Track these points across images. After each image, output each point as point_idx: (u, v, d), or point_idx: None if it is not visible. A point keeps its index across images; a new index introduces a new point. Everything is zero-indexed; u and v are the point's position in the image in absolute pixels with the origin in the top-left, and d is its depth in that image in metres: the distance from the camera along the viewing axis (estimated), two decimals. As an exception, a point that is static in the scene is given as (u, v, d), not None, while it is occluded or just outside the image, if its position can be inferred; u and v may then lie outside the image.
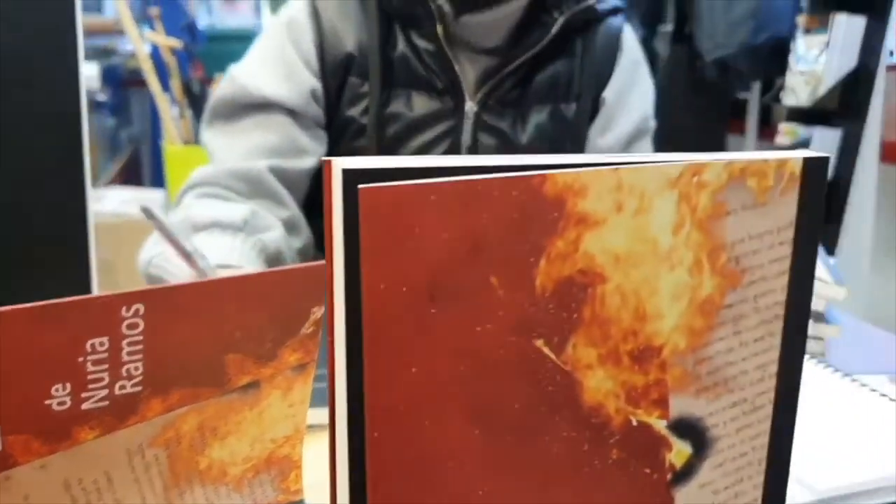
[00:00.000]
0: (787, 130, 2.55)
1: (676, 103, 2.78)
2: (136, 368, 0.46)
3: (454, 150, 1.04)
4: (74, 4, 0.64)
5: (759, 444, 0.35)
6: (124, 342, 0.45)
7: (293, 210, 1.04)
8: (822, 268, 0.81)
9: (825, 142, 2.53)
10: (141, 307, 0.45)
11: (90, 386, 0.44)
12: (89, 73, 2.87)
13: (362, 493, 0.27)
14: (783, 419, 0.35)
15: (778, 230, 0.33)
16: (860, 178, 2.50)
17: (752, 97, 2.87)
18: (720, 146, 2.90)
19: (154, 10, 3.74)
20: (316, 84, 1.05)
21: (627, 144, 1.13)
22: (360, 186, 0.25)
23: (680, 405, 0.33)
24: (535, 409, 0.29)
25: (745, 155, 0.32)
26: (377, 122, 1.04)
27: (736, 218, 0.32)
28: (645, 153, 1.17)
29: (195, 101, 3.85)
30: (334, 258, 0.27)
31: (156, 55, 3.78)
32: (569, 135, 1.09)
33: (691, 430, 0.33)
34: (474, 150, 1.05)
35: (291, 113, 1.04)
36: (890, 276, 2.44)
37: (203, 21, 4.86)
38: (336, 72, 1.06)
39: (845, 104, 2.55)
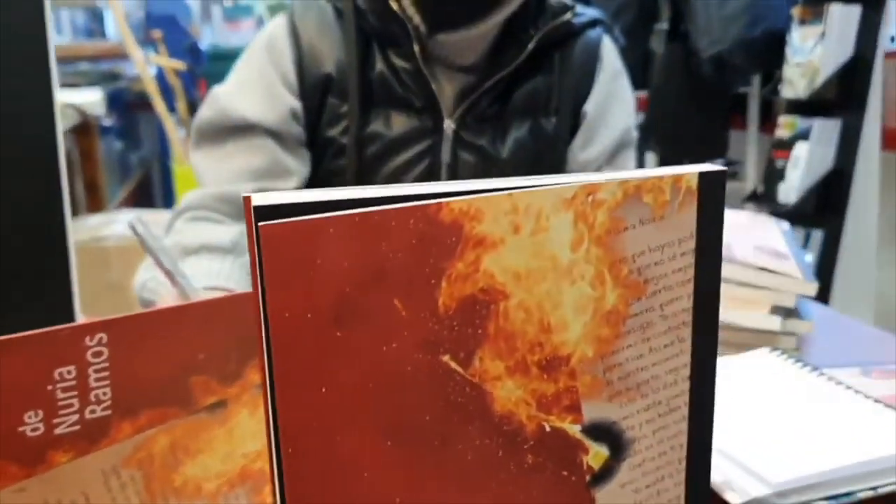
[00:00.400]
0: (786, 123, 2.56)
1: (674, 102, 2.79)
2: (105, 393, 0.48)
3: (434, 168, 1.07)
4: (46, 31, 0.66)
5: (678, 443, 0.37)
6: (90, 369, 0.47)
7: None
8: (794, 265, 0.83)
9: (825, 132, 2.53)
10: (104, 336, 0.47)
11: (61, 412, 0.47)
12: (93, 98, 2.91)
13: (283, 504, 0.29)
14: (700, 419, 0.37)
15: (679, 242, 0.35)
16: (862, 167, 2.50)
17: (752, 91, 2.88)
18: (721, 143, 2.90)
19: (157, 33, 3.79)
20: (296, 104, 1.08)
21: (611, 157, 1.14)
22: (261, 224, 0.27)
23: (593, 410, 0.35)
24: (446, 420, 0.31)
25: (641, 173, 0.34)
26: (356, 142, 1.06)
27: (635, 232, 0.34)
28: (629, 166, 1.19)
29: (202, 120, 3.88)
30: (256, 289, 0.29)
31: (160, 77, 3.83)
32: (549, 149, 1.11)
33: (607, 434, 0.35)
34: (454, 167, 1.07)
35: (273, 134, 1.07)
36: (894, 267, 2.44)
37: (205, 40, 4.91)
38: (315, 92, 1.08)
39: (844, 94, 2.55)
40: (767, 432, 0.63)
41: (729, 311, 0.80)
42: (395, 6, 1.04)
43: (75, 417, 0.48)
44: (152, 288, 0.97)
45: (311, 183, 1.10)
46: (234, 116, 1.08)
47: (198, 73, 4.07)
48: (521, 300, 0.32)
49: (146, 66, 3.72)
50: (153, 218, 2.76)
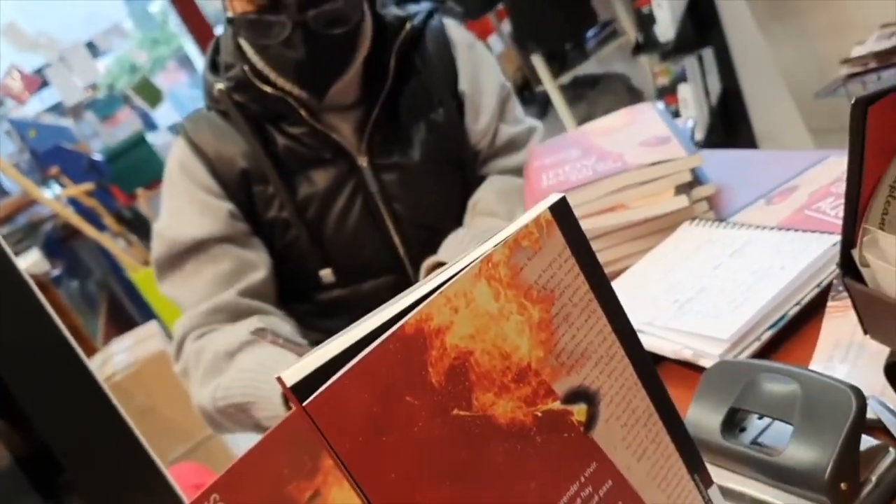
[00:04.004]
0: (661, 71, 2.75)
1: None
2: (237, 531, 0.63)
3: (367, 199, 1.20)
4: None
5: (628, 373, 0.52)
6: (219, 522, 0.61)
7: (275, 313, 1.20)
8: (677, 144, 0.98)
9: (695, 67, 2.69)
10: (216, 496, 0.62)
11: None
12: (33, 258, 3.00)
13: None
14: (631, 345, 0.52)
15: (559, 255, 0.49)
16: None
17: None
18: (589, 12, 3.03)
19: (53, 170, 3.83)
20: (229, 205, 1.21)
21: (500, 115, 1.29)
22: (305, 404, 0.42)
23: (562, 386, 0.50)
24: (475, 448, 0.46)
25: (512, 228, 0.48)
26: (296, 211, 1.19)
27: (528, 267, 0.48)
28: (517, 112, 1.33)
29: (133, 223, 3.96)
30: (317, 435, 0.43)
31: (76, 205, 3.87)
32: (449, 136, 1.25)
33: (579, 396, 0.50)
34: (384, 190, 1.21)
35: (225, 239, 1.20)
36: (783, 41, 2.56)
37: (96, 147, 4.90)
38: (239, 189, 1.21)
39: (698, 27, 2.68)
40: (707, 297, 0.78)
41: (644, 209, 0.95)
42: (269, 90, 1.16)
43: (225, 557, 0.62)
44: (224, 395, 1.10)
45: (274, 262, 1.23)
46: (183, 241, 1.20)
47: (106, 182, 4.12)
48: (481, 349, 0.47)
49: (58, 202, 3.76)
50: (143, 335, 2.86)
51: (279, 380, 0.44)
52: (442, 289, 0.46)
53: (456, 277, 0.46)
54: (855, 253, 0.56)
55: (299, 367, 0.44)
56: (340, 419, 0.43)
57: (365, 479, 0.43)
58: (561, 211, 0.49)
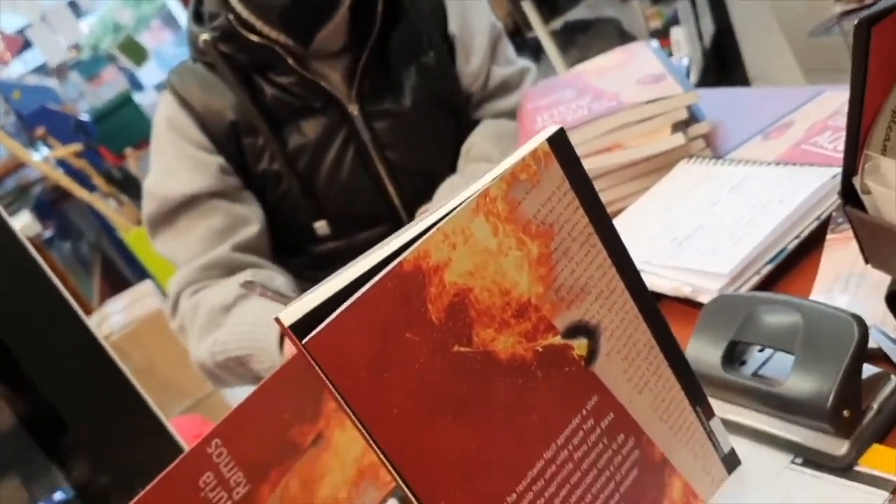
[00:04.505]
0: (653, 14, 2.71)
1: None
2: (239, 476, 0.63)
3: (360, 149, 1.19)
4: None
5: (629, 307, 0.52)
6: (220, 467, 0.62)
7: (270, 267, 1.20)
8: (672, 82, 0.96)
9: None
10: (218, 440, 0.62)
11: (219, 505, 0.62)
12: (24, 221, 2.98)
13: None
14: (631, 279, 0.52)
15: (558, 188, 0.49)
16: None
17: None
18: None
19: (40, 131, 3.79)
20: (219, 160, 1.19)
21: (492, 55, 1.27)
22: (304, 341, 0.41)
23: (562, 321, 0.49)
24: (477, 384, 0.46)
25: (509, 161, 0.47)
26: (287, 162, 1.18)
27: (527, 201, 0.47)
28: (508, 52, 1.31)
29: (123, 183, 3.94)
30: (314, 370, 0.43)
31: (65, 166, 3.84)
32: (441, 79, 1.23)
33: (579, 330, 0.50)
34: (376, 138, 1.19)
35: (216, 194, 1.18)
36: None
37: (82, 108, 4.85)
38: (229, 141, 1.19)
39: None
40: (705, 234, 0.78)
41: (641, 148, 0.94)
42: (255, 38, 1.14)
43: (230, 503, 0.62)
44: (222, 349, 1.10)
45: (268, 216, 1.22)
46: (174, 197, 1.19)
47: (94, 143, 4.08)
48: (481, 286, 0.46)
49: (46, 164, 3.74)
50: (138, 294, 2.86)
51: (277, 320, 0.44)
52: (439, 225, 0.45)
53: (453, 213, 0.46)
54: (856, 180, 0.55)
55: (297, 307, 0.43)
56: (341, 357, 0.42)
57: (367, 416, 0.43)
58: (559, 143, 0.49)
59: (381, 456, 0.44)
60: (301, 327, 0.42)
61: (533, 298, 0.48)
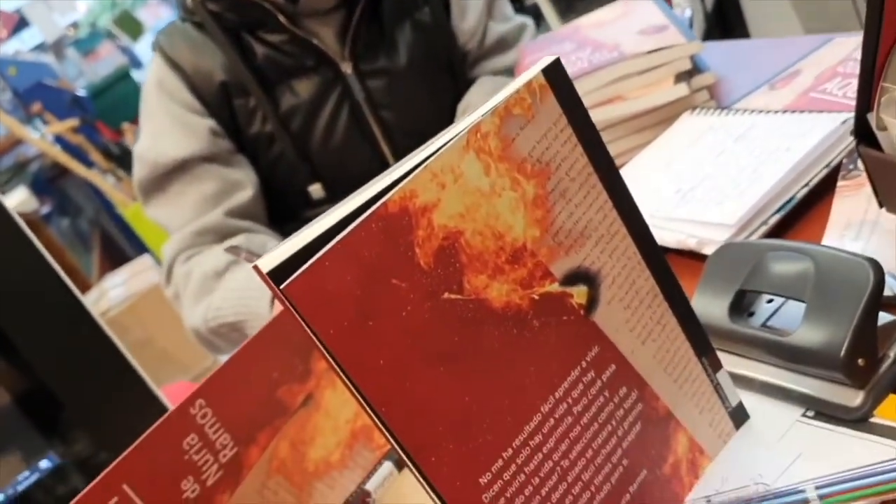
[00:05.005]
0: None
1: None
2: (225, 438, 0.60)
3: (354, 108, 1.16)
4: None
5: (631, 252, 0.49)
6: (205, 428, 0.59)
7: (264, 232, 1.17)
8: (675, 31, 0.93)
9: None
10: (202, 400, 0.59)
11: (203, 468, 0.59)
12: (21, 197, 2.95)
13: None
14: (633, 222, 0.49)
15: (554, 124, 0.46)
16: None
17: None
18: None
19: (36, 107, 3.75)
20: (211, 123, 1.16)
21: (489, 13, 1.23)
22: (282, 287, 0.38)
23: (560, 268, 0.46)
24: (469, 333, 0.43)
25: (502, 95, 0.44)
26: (279, 123, 1.15)
27: (521, 137, 0.44)
28: (506, 9, 1.27)
29: (121, 159, 3.91)
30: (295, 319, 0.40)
31: (62, 142, 3.81)
32: (437, 37, 1.19)
33: (578, 277, 0.47)
34: (370, 98, 1.16)
35: (207, 158, 1.15)
36: None
37: (79, 84, 4.81)
38: (220, 103, 1.16)
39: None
40: (710, 184, 0.75)
41: (643, 99, 0.91)
42: None
43: (215, 467, 0.60)
44: (215, 315, 1.07)
45: (262, 179, 1.19)
46: (165, 162, 1.16)
47: (91, 119, 4.05)
48: (472, 229, 0.43)
49: (43, 141, 3.71)
50: (138, 269, 2.84)
51: (256, 268, 0.41)
52: (427, 163, 0.42)
53: (441, 150, 0.42)
54: (871, 116, 0.52)
55: (277, 253, 0.41)
56: (322, 304, 0.39)
57: (352, 365, 0.40)
58: (555, 75, 0.45)
59: (368, 409, 0.41)
60: (280, 274, 0.40)
61: (529, 243, 0.45)
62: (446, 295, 0.43)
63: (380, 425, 0.41)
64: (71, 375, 0.81)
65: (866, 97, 0.53)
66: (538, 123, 0.45)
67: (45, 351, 0.79)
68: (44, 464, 0.78)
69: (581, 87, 0.90)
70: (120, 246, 3.64)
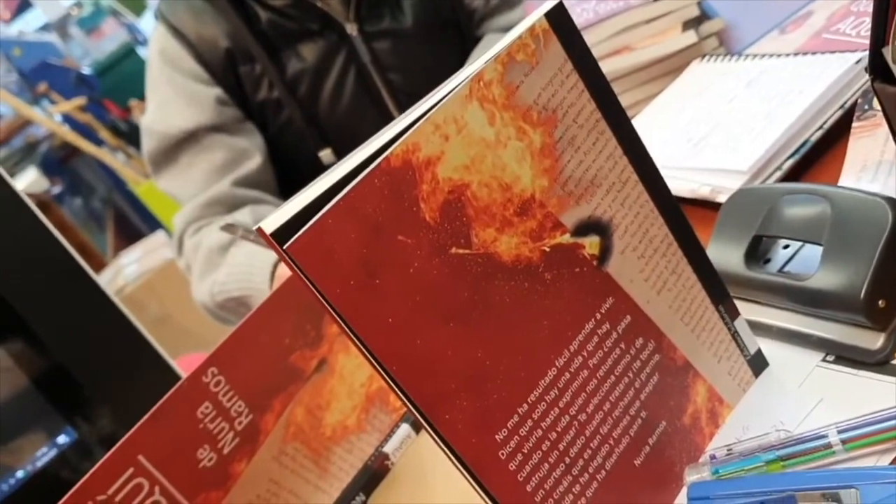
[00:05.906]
0: None
1: None
2: (240, 405, 0.60)
3: (362, 71, 1.14)
4: None
5: (643, 200, 0.48)
6: (219, 396, 0.59)
7: (273, 202, 1.16)
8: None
9: None
10: (214, 368, 0.59)
11: (219, 436, 0.59)
12: (31, 178, 2.95)
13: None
14: (645, 169, 0.48)
15: (559, 69, 0.44)
16: None
17: None
18: None
19: (42, 87, 3.74)
20: (217, 91, 1.15)
21: None
22: (285, 247, 0.38)
23: (570, 218, 0.45)
24: (478, 288, 0.42)
25: (503, 42, 0.43)
26: (286, 89, 1.14)
27: (525, 85, 0.43)
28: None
29: (130, 136, 3.90)
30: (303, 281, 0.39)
31: (70, 121, 3.80)
32: None
33: (590, 227, 0.46)
34: (377, 60, 1.14)
35: (215, 128, 1.14)
36: None
37: (85, 63, 4.79)
38: (226, 71, 1.15)
39: None
40: (722, 131, 0.73)
41: (651, 49, 0.89)
42: None
43: (231, 434, 0.60)
44: (220, 290, 1.07)
45: (272, 147, 1.18)
46: (173, 133, 1.15)
47: (98, 96, 4.03)
48: (478, 181, 0.42)
49: (51, 121, 3.70)
50: (152, 245, 2.84)
51: (259, 230, 0.40)
52: (429, 115, 0.41)
53: (443, 101, 0.41)
54: (887, 51, 0.50)
55: (280, 214, 0.40)
56: (327, 263, 0.38)
57: (360, 325, 0.39)
58: (558, 18, 0.44)
59: (379, 368, 0.40)
60: (284, 235, 0.39)
61: (537, 193, 0.44)
62: (454, 250, 0.42)
63: (392, 385, 0.41)
64: (87, 353, 0.81)
65: (881, 30, 0.51)
66: (543, 69, 0.44)
67: (60, 330, 0.79)
68: (62, 439, 0.78)
69: (588, 39, 0.88)
70: (133, 223, 3.64)
